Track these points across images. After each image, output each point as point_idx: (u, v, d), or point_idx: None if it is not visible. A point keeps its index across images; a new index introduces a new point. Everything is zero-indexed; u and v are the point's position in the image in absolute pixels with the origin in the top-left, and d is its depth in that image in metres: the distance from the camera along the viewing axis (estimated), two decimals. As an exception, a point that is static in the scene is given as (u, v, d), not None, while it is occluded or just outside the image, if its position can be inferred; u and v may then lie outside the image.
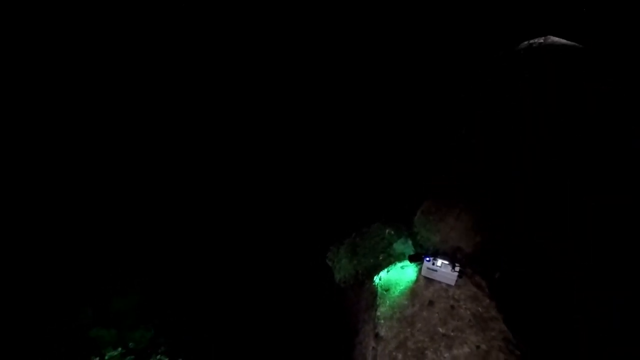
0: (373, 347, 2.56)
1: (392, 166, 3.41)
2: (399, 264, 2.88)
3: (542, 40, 2.74)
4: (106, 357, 2.66)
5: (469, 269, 2.59)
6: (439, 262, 2.51)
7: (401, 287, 2.71)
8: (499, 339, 2.20)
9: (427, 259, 2.56)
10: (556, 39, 2.67)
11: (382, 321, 2.63)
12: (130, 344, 2.76)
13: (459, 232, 2.75)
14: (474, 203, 2.68)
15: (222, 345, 3.01)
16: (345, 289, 3.13)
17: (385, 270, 2.91)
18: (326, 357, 3.02)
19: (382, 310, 2.69)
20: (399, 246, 3.02)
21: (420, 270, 2.66)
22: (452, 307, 2.41)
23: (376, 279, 2.91)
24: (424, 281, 2.64)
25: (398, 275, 2.81)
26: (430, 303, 2.50)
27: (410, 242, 3.04)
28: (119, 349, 2.73)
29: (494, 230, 2.62)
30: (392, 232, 3.09)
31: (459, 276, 2.47)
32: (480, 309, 2.35)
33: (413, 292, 2.64)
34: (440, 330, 2.36)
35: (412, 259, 2.80)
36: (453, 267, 2.48)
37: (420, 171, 3.20)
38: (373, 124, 3.48)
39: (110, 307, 2.79)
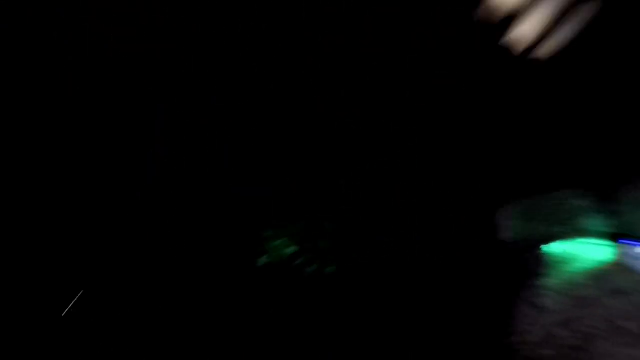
0: (528, 315, 2.32)
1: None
2: (585, 240, 2.52)
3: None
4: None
5: None
6: None
7: (583, 265, 2.41)
8: None
9: (627, 242, 2.23)
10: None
11: (548, 292, 2.38)
12: None
13: None
14: None
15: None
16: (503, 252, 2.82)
17: (565, 241, 2.59)
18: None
19: (550, 280, 2.44)
20: (587, 221, 2.60)
21: (615, 253, 2.31)
22: None
23: (549, 247, 2.62)
24: (620, 267, 2.28)
25: (580, 251, 2.49)
26: (619, 291, 2.15)
27: (605, 219, 2.59)
28: None
29: None
30: (581, 204, 2.70)
31: None
32: None
33: (599, 273, 2.31)
34: (623, 324, 2.04)
35: (606, 238, 2.41)
36: None
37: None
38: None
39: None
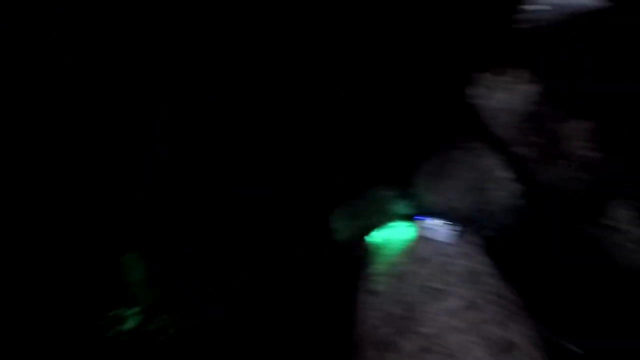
0: (366, 302, 2.56)
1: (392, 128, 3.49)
2: (395, 224, 2.95)
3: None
4: (111, 313, 2.59)
5: (464, 227, 2.73)
6: (435, 221, 2.65)
7: (397, 246, 2.78)
8: (489, 292, 2.33)
9: (424, 218, 2.70)
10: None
11: (377, 277, 2.66)
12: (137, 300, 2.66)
13: (455, 191, 2.89)
14: (474, 164, 2.88)
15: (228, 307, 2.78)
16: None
17: (381, 229, 2.97)
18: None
19: (376, 267, 2.74)
20: (396, 207, 3.09)
21: (416, 229, 2.76)
22: (446, 263, 2.50)
23: (370, 237, 2.96)
24: (419, 240, 2.72)
25: (394, 234, 2.88)
26: (425, 260, 2.57)
27: (408, 203, 3.13)
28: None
29: (489, 191, 2.83)
30: (390, 194, 3.17)
31: (454, 234, 2.61)
32: (472, 265, 2.48)
33: (408, 250, 2.71)
34: (434, 285, 2.43)
35: (408, 218, 2.90)
36: (448, 226, 2.63)
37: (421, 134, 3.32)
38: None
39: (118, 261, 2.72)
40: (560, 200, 2.46)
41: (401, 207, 3.25)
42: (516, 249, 2.97)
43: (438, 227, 2.57)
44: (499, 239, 3.03)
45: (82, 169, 2.79)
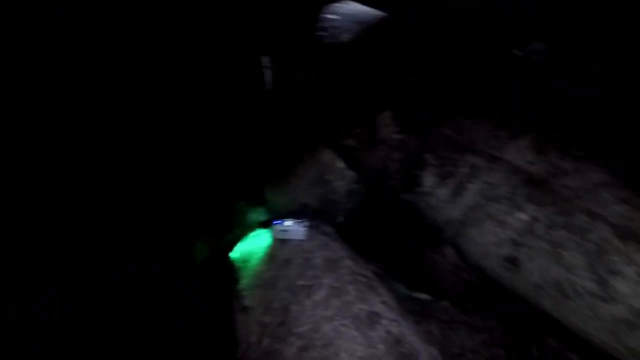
0: (240, 320, 2.50)
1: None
2: (254, 233, 2.91)
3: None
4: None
5: (317, 220, 2.86)
6: (287, 222, 2.66)
7: (259, 255, 2.74)
8: (348, 274, 2.52)
9: (276, 221, 2.68)
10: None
11: (246, 292, 2.61)
12: None
13: (303, 189, 3.03)
14: (313, 159, 3.03)
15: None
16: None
17: (241, 242, 2.90)
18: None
19: (244, 282, 2.67)
20: (253, 215, 3.10)
21: (273, 234, 2.75)
22: (307, 259, 2.59)
23: (232, 253, 2.86)
24: (278, 243, 2.74)
25: (254, 244, 2.84)
26: (287, 261, 2.62)
27: (263, 209, 3.16)
28: None
29: (331, 182, 3.05)
30: (244, 204, 3.16)
31: (308, 230, 2.70)
32: (330, 253, 2.63)
33: (270, 256, 2.71)
34: (300, 282, 2.49)
35: (262, 225, 2.89)
36: (301, 223, 2.68)
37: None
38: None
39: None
40: (384, 178, 2.84)
41: (257, 215, 3.26)
42: (362, 225, 3.32)
43: (292, 227, 2.66)
44: (347, 221, 3.35)
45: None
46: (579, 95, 2.16)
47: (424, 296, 2.96)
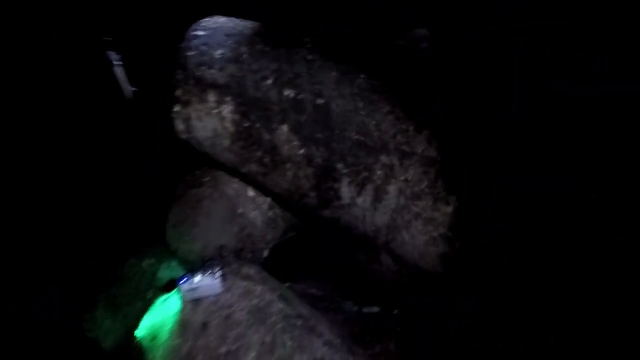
0: None
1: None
2: (162, 298, 2.39)
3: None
4: None
5: (235, 264, 2.42)
6: (196, 276, 2.20)
7: (168, 327, 2.20)
8: (280, 321, 2.14)
9: (182, 279, 2.21)
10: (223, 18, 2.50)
11: None
12: None
13: (215, 229, 2.63)
14: (221, 193, 2.71)
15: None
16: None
17: (148, 313, 2.38)
18: None
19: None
20: (165, 272, 2.65)
21: (182, 295, 2.23)
22: (227, 316, 2.13)
23: (139, 331, 2.32)
24: (190, 306, 2.21)
25: (161, 314, 2.31)
26: (204, 326, 2.13)
27: (169, 265, 2.72)
28: None
29: (246, 213, 2.75)
30: (152, 261, 2.70)
31: (223, 279, 2.24)
32: (255, 301, 2.21)
33: (182, 324, 2.17)
34: (222, 350, 2.04)
35: (166, 288, 2.36)
36: (213, 274, 2.22)
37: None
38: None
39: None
40: (300, 199, 2.54)
41: (164, 272, 2.74)
42: (292, 253, 3.00)
43: (203, 281, 2.19)
44: (274, 254, 2.99)
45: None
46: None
47: (374, 309, 2.79)
